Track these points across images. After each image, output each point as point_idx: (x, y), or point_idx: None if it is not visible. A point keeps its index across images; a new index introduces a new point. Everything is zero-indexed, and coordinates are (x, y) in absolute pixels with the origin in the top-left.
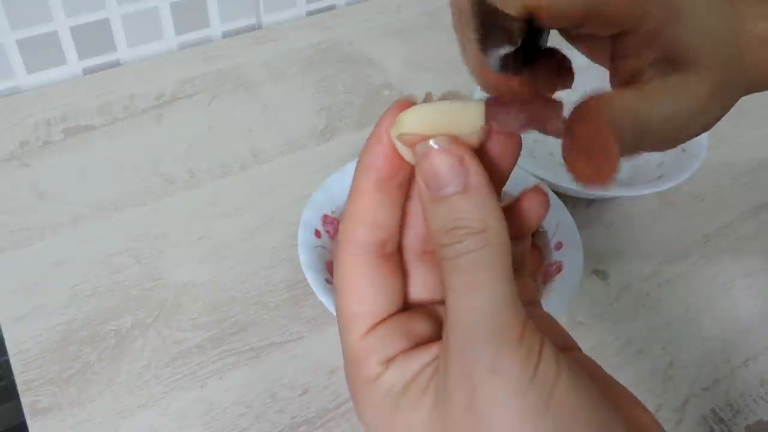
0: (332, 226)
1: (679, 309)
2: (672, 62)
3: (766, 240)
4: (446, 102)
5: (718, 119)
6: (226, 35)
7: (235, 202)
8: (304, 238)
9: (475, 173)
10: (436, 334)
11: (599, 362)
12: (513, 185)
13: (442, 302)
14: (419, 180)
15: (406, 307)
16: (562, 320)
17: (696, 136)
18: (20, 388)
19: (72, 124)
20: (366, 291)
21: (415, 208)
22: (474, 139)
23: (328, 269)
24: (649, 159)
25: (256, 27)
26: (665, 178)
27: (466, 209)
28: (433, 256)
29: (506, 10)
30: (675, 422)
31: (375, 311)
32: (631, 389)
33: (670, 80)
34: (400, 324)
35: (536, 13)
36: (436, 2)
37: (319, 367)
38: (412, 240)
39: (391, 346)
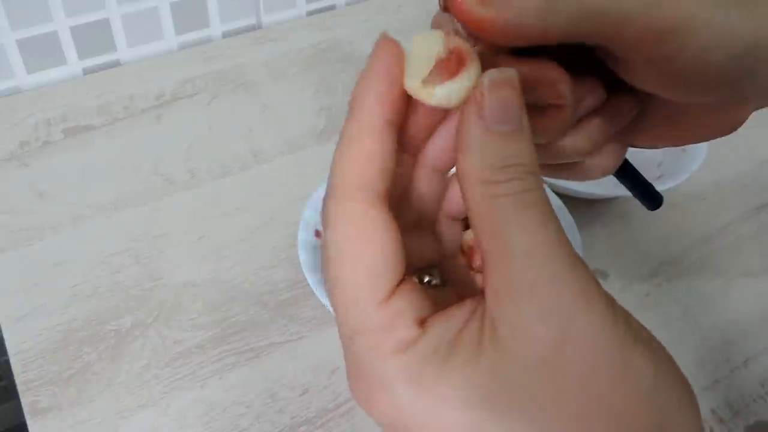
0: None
1: (679, 309)
2: None
3: (766, 240)
4: (425, 41)
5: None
6: (226, 35)
7: (235, 202)
8: (304, 238)
9: (526, 120)
10: (451, 297)
11: None
12: None
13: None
14: (473, 111)
15: None
16: None
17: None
18: (20, 388)
19: (72, 124)
20: (386, 244)
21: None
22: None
23: None
24: (650, 159)
25: (256, 27)
26: (665, 178)
27: (523, 148)
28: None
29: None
30: None
31: (398, 267)
32: None
33: None
34: (415, 288)
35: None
36: (436, 2)
37: (319, 367)
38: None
39: (420, 306)
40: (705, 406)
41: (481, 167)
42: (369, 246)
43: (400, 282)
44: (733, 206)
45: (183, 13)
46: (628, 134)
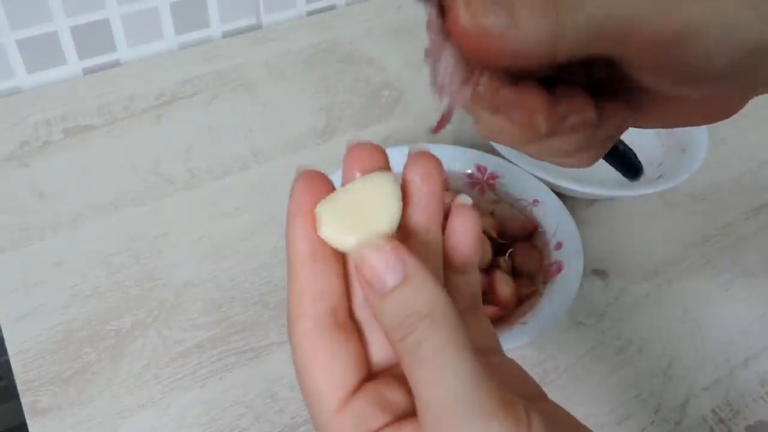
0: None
1: (679, 309)
2: None
3: (766, 240)
4: (358, 184)
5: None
6: (226, 35)
7: (235, 202)
8: None
9: (411, 262)
10: (411, 402)
11: (599, 362)
12: (514, 186)
13: None
14: (362, 285)
15: (371, 374)
16: (562, 320)
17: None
18: (20, 388)
19: (72, 124)
20: (331, 365)
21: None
22: (395, 221)
23: None
24: (650, 159)
25: (256, 27)
26: (665, 178)
27: (410, 298)
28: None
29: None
30: (675, 422)
31: (345, 384)
32: (631, 389)
33: None
34: (372, 394)
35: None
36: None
37: None
38: (360, 302)
39: (371, 420)
40: (705, 406)
41: (388, 329)
42: (317, 369)
43: (354, 392)
44: (733, 206)
45: (183, 13)
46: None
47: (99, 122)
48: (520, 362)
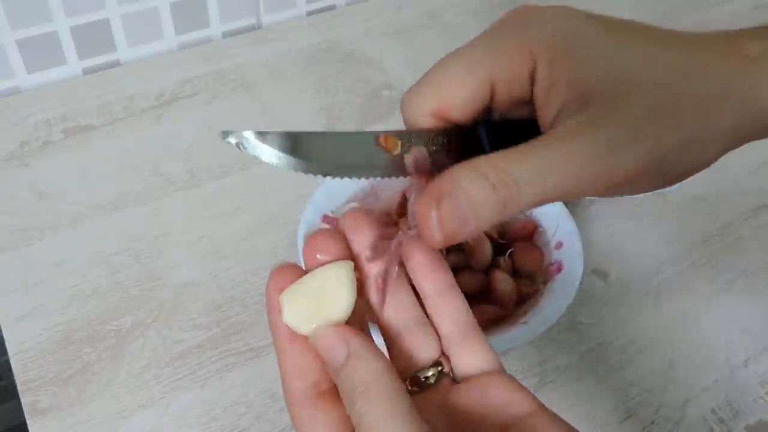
0: (332, 225)
1: (679, 309)
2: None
3: (766, 240)
4: (318, 273)
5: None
6: (226, 35)
7: (235, 202)
8: (304, 238)
9: (354, 341)
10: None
11: (599, 362)
12: None
13: None
14: (322, 358)
15: None
16: (562, 320)
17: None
18: (20, 388)
19: (72, 124)
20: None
21: None
22: (348, 307)
23: None
24: None
25: (256, 27)
26: None
27: (352, 373)
28: None
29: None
30: (675, 422)
31: None
32: (631, 389)
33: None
34: None
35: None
36: (436, 2)
37: None
38: None
39: None
40: (705, 406)
41: (345, 403)
42: (305, 430)
43: None
44: (733, 206)
45: (183, 13)
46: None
47: (99, 122)
48: (520, 362)
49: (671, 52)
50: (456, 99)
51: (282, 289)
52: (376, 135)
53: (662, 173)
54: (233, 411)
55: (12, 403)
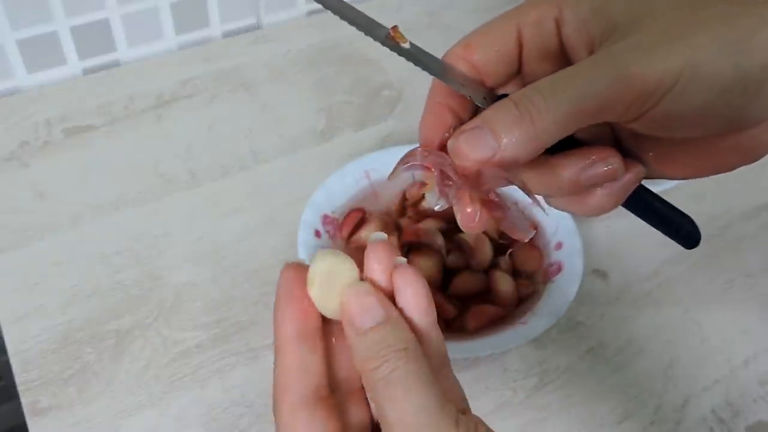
0: (332, 226)
1: (679, 309)
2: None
3: (766, 240)
4: (332, 254)
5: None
6: (226, 35)
7: (235, 202)
8: (304, 238)
9: (392, 308)
10: None
11: (599, 362)
12: (515, 186)
13: None
14: (347, 319)
15: None
16: (562, 320)
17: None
18: (20, 388)
19: (72, 124)
20: None
21: (336, 350)
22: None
23: None
24: None
25: (256, 27)
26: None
27: (390, 333)
28: (361, 391)
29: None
30: (675, 422)
31: None
32: (631, 389)
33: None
34: None
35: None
36: (436, 2)
37: None
38: (341, 378)
39: None
40: (705, 406)
41: (364, 359)
42: None
43: None
44: (733, 206)
45: (183, 13)
46: (651, 166)
47: (99, 122)
48: (520, 362)
49: None
50: (485, 43)
51: (298, 279)
52: (387, 30)
53: (722, 102)
54: (233, 411)
55: (12, 403)
